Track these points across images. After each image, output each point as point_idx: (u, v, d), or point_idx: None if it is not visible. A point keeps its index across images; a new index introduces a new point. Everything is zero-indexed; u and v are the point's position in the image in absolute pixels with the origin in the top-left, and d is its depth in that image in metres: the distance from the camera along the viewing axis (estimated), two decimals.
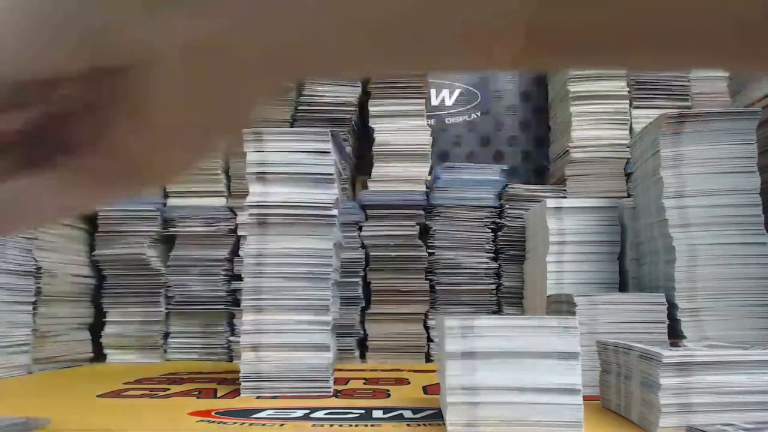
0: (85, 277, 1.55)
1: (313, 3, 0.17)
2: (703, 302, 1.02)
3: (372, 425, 0.76)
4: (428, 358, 1.53)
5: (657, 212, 1.09)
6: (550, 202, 1.29)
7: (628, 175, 1.56)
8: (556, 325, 0.70)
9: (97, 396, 1.00)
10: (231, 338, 1.54)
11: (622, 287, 1.26)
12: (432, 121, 1.92)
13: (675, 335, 1.02)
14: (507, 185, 1.58)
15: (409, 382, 1.15)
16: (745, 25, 0.16)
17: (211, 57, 0.18)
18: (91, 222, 1.58)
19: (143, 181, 0.22)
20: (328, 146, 1.04)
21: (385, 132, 1.60)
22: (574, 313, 0.99)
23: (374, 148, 1.60)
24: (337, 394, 1.00)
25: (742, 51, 0.17)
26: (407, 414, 0.83)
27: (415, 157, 1.59)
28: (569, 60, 0.22)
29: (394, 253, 1.55)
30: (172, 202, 1.59)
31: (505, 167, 1.61)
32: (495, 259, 1.57)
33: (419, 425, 0.76)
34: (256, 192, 1.04)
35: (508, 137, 1.93)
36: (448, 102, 1.95)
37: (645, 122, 1.22)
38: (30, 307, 1.32)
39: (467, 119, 1.94)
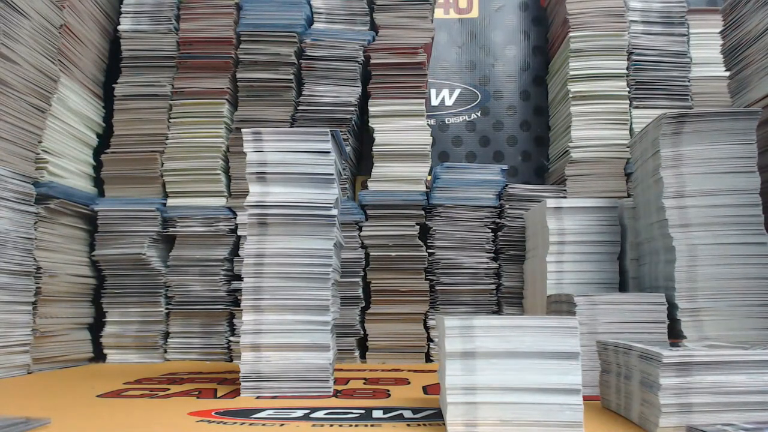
0: (85, 277, 1.55)
1: None
2: (703, 302, 1.02)
3: (372, 425, 0.76)
4: (428, 358, 1.53)
5: (657, 212, 1.09)
6: (550, 202, 1.29)
7: (628, 175, 1.56)
8: (556, 325, 0.70)
9: (97, 396, 1.00)
10: (231, 338, 1.54)
11: (622, 287, 1.26)
12: (432, 121, 1.92)
13: (675, 335, 1.02)
14: (507, 185, 1.58)
15: (409, 382, 1.15)
16: None
17: None
18: (91, 222, 1.58)
19: None
20: (328, 146, 1.04)
21: (385, 132, 1.60)
22: (574, 313, 0.99)
23: (374, 148, 1.60)
24: (337, 394, 1.00)
25: None
26: (407, 414, 0.83)
27: (415, 157, 1.59)
28: None
29: (394, 253, 1.55)
30: (172, 202, 1.59)
31: (505, 167, 1.61)
32: (495, 259, 1.57)
33: (419, 425, 0.76)
34: (256, 192, 1.04)
35: (508, 137, 1.93)
36: (448, 102, 1.95)
37: (645, 122, 1.22)
38: (30, 307, 1.32)
39: (467, 119, 1.94)
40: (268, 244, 1.03)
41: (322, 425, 0.76)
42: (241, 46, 1.62)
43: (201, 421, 0.80)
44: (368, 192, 1.58)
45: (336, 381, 1.09)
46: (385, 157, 1.60)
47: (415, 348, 1.53)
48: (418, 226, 1.56)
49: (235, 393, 1.00)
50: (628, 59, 1.62)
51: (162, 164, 1.60)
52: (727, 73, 1.34)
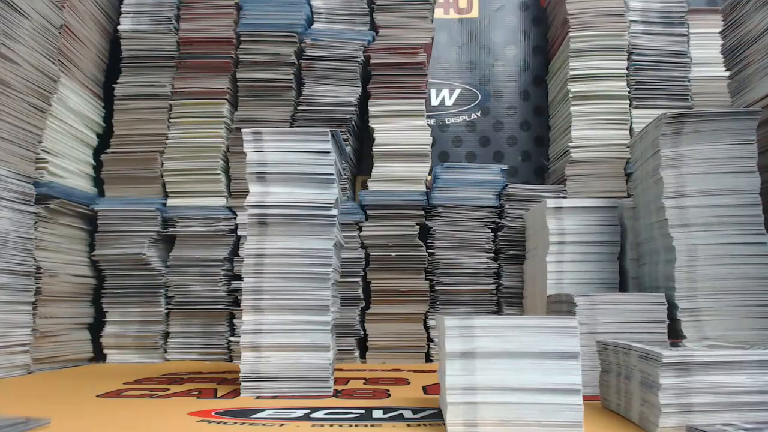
0: (85, 277, 1.55)
1: None
2: (703, 302, 1.02)
3: (372, 425, 0.76)
4: (428, 358, 1.53)
5: (657, 212, 1.09)
6: (550, 202, 1.29)
7: (628, 175, 1.56)
8: (556, 325, 0.70)
9: (97, 396, 1.00)
10: (231, 338, 1.54)
11: (622, 287, 1.26)
12: (432, 121, 1.92)
13: (675, 335, 1.01)
14: (507, 185, 1.58)
15: (409, 382, 1.15)
16: None
17: None
18: (91, 222, 1.58)
19: None
20: (328, 146, 1.04)
21: (385, 132, 1.60)
22: (574, 313, 0.99)
23: (374, 148, 1.60)
24: (337, 394, 1.00)
25: None
26: (407, 414, 0.83)
27: (415, 157, 1.59)
28: None
29: (394, 253, 1.55)
30: (172, 202, 1.59)
31: (505, 167, 1.61)
32: (495, 259, 1.57)
33: (419, 425, 0.76)
34: (256, 192, 1.04)
35: (508, 137, 1.93)
36: (448, 102, 1.95)
37: (645, 122, 1.22)
38: (30, 307, 1.32)
39: (467, 119, 1.94)
40: (268, 244, 1.03)
41: (322, 425, 0.76)
42: (241, 46, 1.62)
43: (201, 421, 0.80)
44: (368, 192, 1.58)
45: (336, 381, 1.09)
46: (385, 157, 1.60)
47: (415, 348, 1.53)
48: (418, 226, 1.56)
49: (235, 393, 1.00)
50: (628, 59, 1.62)
51: (162, 164, 1.60)
52: (727, 73, 1.34)
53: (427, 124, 1.62)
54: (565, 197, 1.54)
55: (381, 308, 1.55)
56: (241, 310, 1.02)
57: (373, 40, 1.64)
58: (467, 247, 1.56)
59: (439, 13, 1.93)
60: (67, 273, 1.47)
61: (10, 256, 1.26)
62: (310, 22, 1.67)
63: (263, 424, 0.77)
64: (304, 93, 1.61)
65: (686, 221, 1.04)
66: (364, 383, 1.14)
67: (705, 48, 1.67)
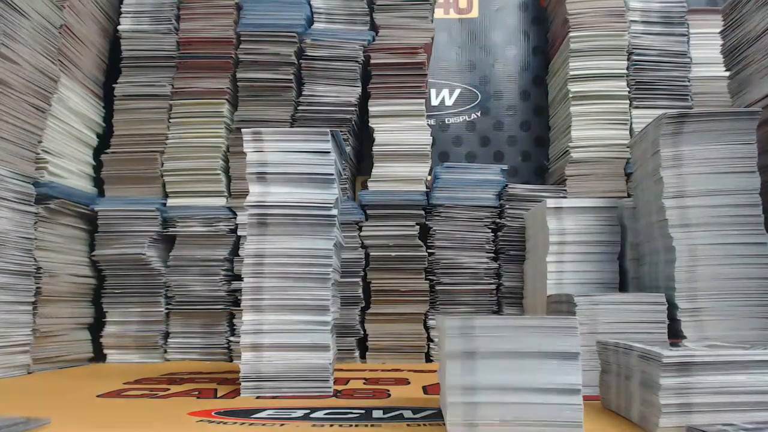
0: (85, 277, 1.55)
1: None
2: (703, 302, 1.02)
3: (372, 425, 0.76)
4: (428, 358, 1.53)
5: (657, 212, 1.09)
6: (550, 202, 1.29)
7: (628, 175, 1.56)
8: (556, 325, 0.70)
9: (97, 396, 1.00)
10: (231, 338, 1.54)
11: (622, 287, 1.26)
12: (432, 121, 1.92)
13: (675, 335, 1.01)
14: (507, 185, 1.58)
15: (409, 382, 1.15)
16: None
17: None
18: (91, 222, 1.58)
19: None
20: (328, 146, 1.04)
21: (385, 132, 1.60)
22: (574, 313, 0.99)
23: (374, 148, 1.60)
24: (337, 394, 1.00)
25: None
26: (407, 414, 0.83)
27: (415, 157, 1.59)
28: None
29: (394, 253, 1.55)
30: (172, 202, 1.59)
31: (505, 167, 1.61)
32: (495, 259, 1.57)
33: (419, 425, 0.76)
34: (256, 192, 1.04)
35: (508, 137, 1.93)
36: (448, 102, 1.95)
37: (645, 122, 1.22)
38: (30, 307, 1.32)
39: (467, 119, 1.94)
40: (268, 244, 1.03)
41: (322, 425, 0.76)
42: (241, 46, 1.62)
43: (201, 421, 0.80)
44: (368, 192, 1.58)
45: (336, 381, 1.09)
46: (385, 157, 1.60)
47: (415, 348, 1.53)
48: (418, 226, 1.56)
49: (235, 393, 1.00)
50: (628, 59, 1.62)
51: (162, 164, 1.60)
52: (727, 73, 1.34)
53: (427, 124, 1.62)
54: (565, 197, 1.54)
55: (381, 308, 1.55)
56: (241, 310, 1.02)
57: (373, 40, 1.64)
58: (467, 247, 1.56)
59: (439, 13, 1.93)
60: (67, 273, 1.47)
61: (10, 256, 1.26)
62: (310, 22, 1.67)
63: (263, 424, 0.77)
64: (304, 93, 1.61)
65: (686, 221, 1.04)
66: (364, 383, 1.14)
67: (705, 48, 1.67)
